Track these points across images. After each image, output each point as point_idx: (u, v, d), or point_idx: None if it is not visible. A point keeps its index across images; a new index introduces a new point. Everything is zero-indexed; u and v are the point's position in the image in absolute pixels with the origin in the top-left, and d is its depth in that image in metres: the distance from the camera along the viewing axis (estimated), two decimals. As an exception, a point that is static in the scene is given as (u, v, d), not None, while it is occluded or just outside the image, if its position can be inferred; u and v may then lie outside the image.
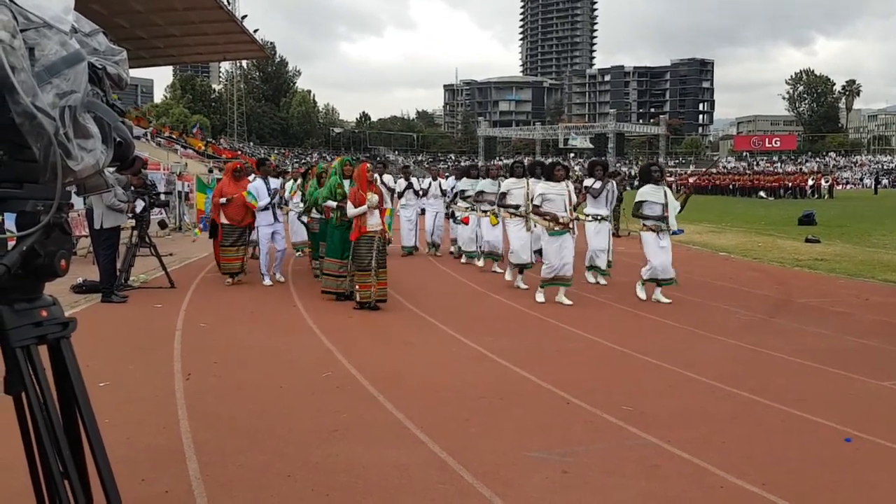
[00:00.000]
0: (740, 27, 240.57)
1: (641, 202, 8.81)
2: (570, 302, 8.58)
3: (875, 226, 21.15)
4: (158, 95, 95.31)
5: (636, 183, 13.43)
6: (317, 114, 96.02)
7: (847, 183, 72.27)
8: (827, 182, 48.31)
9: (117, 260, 8.91)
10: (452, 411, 4.81)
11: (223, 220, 9.94)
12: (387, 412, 4.74)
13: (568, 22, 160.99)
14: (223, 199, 9.86)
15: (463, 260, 12.72)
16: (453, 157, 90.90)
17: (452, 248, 13.85)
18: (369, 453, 4.05)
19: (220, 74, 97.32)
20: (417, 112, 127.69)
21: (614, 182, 10.56)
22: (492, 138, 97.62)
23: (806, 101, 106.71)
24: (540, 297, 8.74)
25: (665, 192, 8.88)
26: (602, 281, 10.27)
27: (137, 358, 6.12)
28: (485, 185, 11.82)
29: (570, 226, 8.56)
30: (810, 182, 47.68)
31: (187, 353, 6.25)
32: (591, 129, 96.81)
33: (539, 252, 11.16)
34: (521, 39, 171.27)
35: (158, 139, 41.29)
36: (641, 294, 8.96)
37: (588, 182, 10.09)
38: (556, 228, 8.48)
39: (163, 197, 12.04)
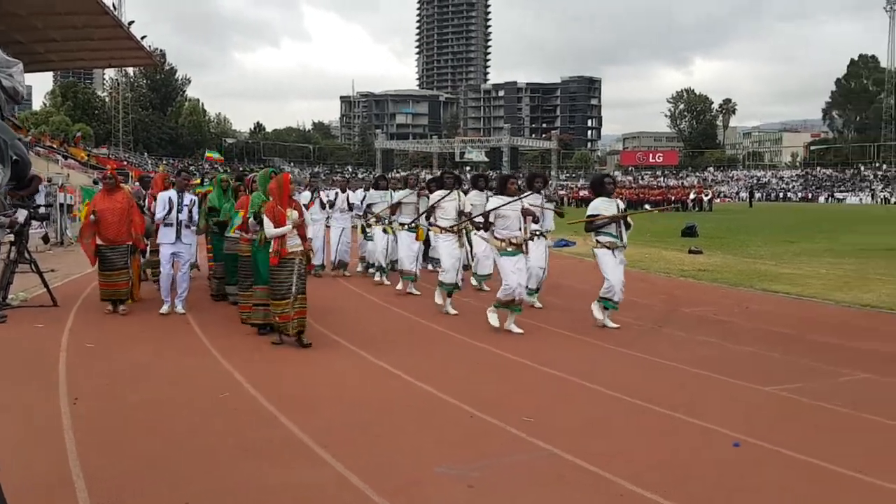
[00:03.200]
0: (624, 47, 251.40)
1: (594, 216, 8.19)
2: (520, 330, 7.84)
3: (751, 237, 22.49)
4: (37, 103, 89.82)
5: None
6: (208, 123, 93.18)
7: (725, 196, 76.57)
8: (707, 196, 51.03)
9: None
10: (357, 429, 4.76)
11: (98, 240, 8.65)
12: (290, 433, 4.64)
13: (463, 38, 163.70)
14: (92, 217, 8.56)
15: (377, 278, 11.68)
16: (350, 169, 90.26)
17: (360, 267, 12.97)
18: (274, 475, 3.95)
19: (105, 82, 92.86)
20: (314, 123, 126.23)
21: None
22: (389, 151, 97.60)
23: (686, 119, 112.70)
24: (493, 320, 7.90)
25: (618, 205, 8.39)
26: (536, 304, 9.43)
27: (19, 382, 5.74)
28: (402, 196, 10.94)
29: (524, 247, 7.95)
30: (692, 196, 50.22)
31: (73, 376, 5.90)
32: (486, 142, 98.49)
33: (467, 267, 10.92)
34: (417, 53, 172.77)
35: (37, 148, 38.93)
36: (598, 315, 8.25)
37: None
38: (509, 249, 7.83)
39: (42, 210, 11.34)
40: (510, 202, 7.83)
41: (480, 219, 8.22)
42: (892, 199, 72.65)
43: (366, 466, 4.08)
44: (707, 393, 5.82)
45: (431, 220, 9.40)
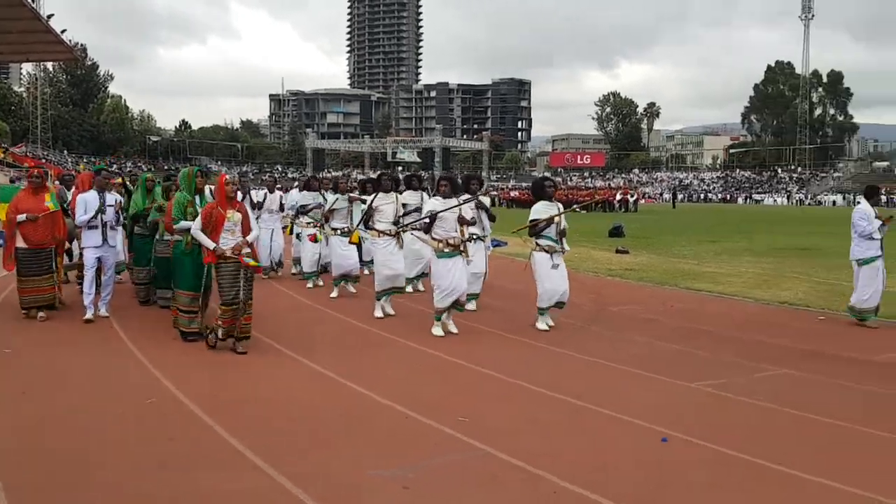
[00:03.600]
0: (554, 51, 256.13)
1: (537, 220, 8.09)
2: (455, 330, 7.86)
3: (676, 237, 23.20)
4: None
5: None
6: (131, 121, 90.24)
7: (649, 197, 78.71)
8: (633, 197, 52.33)
9: None
10: (290, 434, 4.70)
11: (19, 242, 8.15)
12: (221, 439, 4.55)
13: (394, 37, 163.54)
14: (21, 217, 8.07)
15: (309, 285, 11.34)
16: (279, 169, 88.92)
17: (294, 269, 12.57)
18: (204, 482, 3.87)
19: (22, 77, 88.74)
20: (242, 121, 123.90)
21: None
22: (320, 150, 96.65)
23: (613, 122, 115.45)
24: (438, 331, 7.77)
25: (559, 208, 8.30)
26: (471, 306, 9.11)
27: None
28: (335, 200, 10.58)
29: (462, 247, 7.87)
30: (618, 196, 51.42)
31: (-12, 386, 5.63)
32: (418, 143, 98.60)
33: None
34: (348, 52, 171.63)
35: (-55, 146, 36.95)
36: (542, 325, 8.18)
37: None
38: (446, 250, 7.75)
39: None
40: (454, 206, 7.81)
41: (422, 222, 8.16)
42: (807, 201, 76.05)
43: (299, 471, 4.03)
44: (636, 390, 5.97)
45: (370, 223, 9.03)
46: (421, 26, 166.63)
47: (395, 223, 8.83)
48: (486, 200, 9.34)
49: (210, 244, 6.70)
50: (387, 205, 8.88)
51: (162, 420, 4.90)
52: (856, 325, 8.60)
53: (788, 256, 16.89)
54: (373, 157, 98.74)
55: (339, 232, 10.33)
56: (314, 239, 11.05)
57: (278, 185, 13.87)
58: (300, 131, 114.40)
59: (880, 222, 8.61)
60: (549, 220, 8.07)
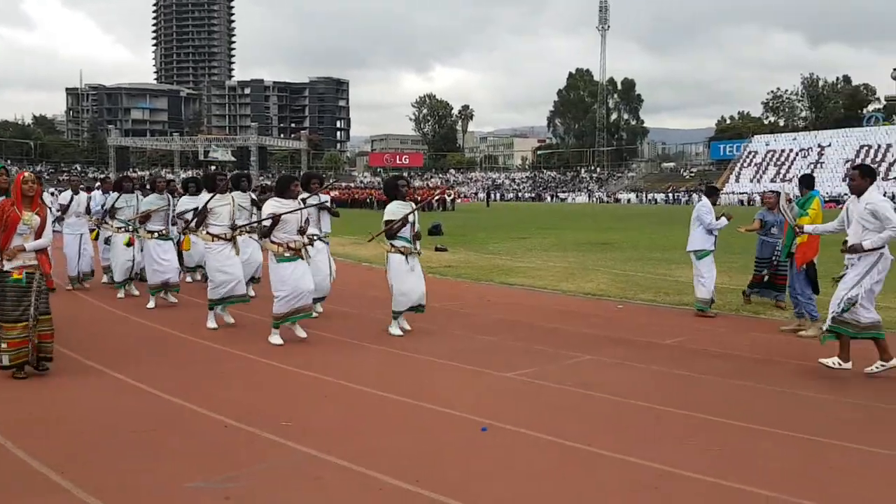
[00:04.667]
0: (369, 52, 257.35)
1: (391, 221, 7.82)
2: (304, 334, 7.56)
3: (490, 235, 24.18)
4: None
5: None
6: None
7: (465, 196, 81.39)
8: (450, 196, 53.85)
9: None
10: (101, 450, 4.37)
11: None
12: (20, 461, 4.14)
13: (205, 31, 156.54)
14: None
15: (121, 295, 10.42)
16: (78, 168, 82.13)
17: (105, 278, 11.49)
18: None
19: None
20: (35, 117, 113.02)
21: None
22: (124, 148, 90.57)
23: (429, 123, 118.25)
24: (277, 340, 7.39)
25: (412, 207, 8.05)
26: (318, 308, 8.84)
27: None
28: (151, 201, 9.88)
29: (304, 251, 7.56)
30: (437, 196, 52.67)
31: None
32: (232, 141, 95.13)
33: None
34: (154, 46, 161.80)
35: None
36: (395, 331, 7.95)
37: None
38: (287, 254, 7.39)
39: None
40: (296, 209, 7.47)
41: (264, 224, 7.56)
42: (606, 199, 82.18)
43: (112, 489, 3.77)
44: (457, 383, 6.16)
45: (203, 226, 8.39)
46: (233, 20, 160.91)
47: (232, 226, 8.30)
48: (326, 198, 9.06)
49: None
50: (222, 206, 8.31)
51: (-58, 449, 4.37)
52: (698, 315, 9.17)
53: (591, 251, 18.19)
54: (183, 156, 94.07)
55: (156, 235, 9.65)
56: (133, 242, 10.19)
57: (82, 186, 12.68)
58: (101, 128, 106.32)
59: (725, 219, 9.41)
60: (404, 220, 7.86)
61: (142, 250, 10.19)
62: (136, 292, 10.44)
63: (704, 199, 9.63)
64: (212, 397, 5.52)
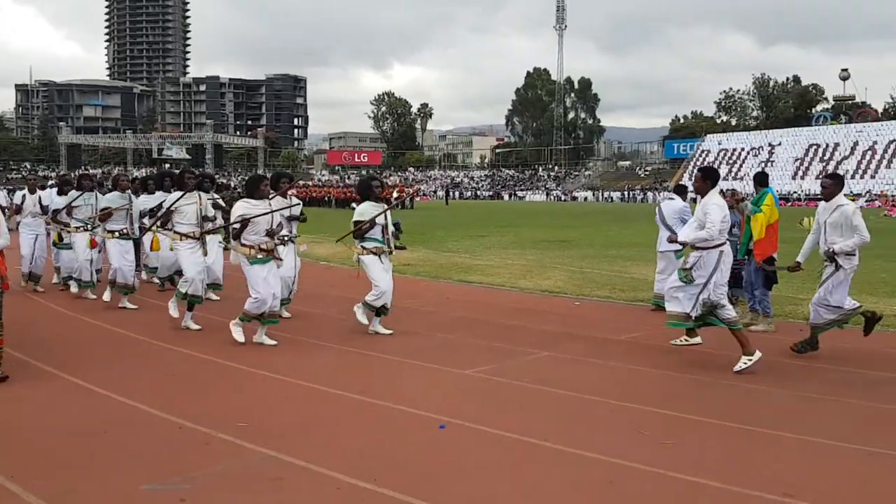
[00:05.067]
0: (327, 49, 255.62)
1: (359, 222, 7.73)
2: (273, 342, 7.28)
3: (449, 233, 24.22)
4: None
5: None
6: None
7: (424, 195, 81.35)
8: (407, 195, 53.70)
9: None
10: (52, 454, 4.28)
11: None
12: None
13: (159, 27, 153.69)
14: None
15: (74, 290, 10.22)
16: (28, 167, 79.97)
17: (56, 279, 11.20)
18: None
19: None
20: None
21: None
22: (76, 146, 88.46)
23: (388, 121, 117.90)
24: (238, 336, 7.21)
25: (384, 209, 7.97)
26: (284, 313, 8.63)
27: None
28: (113, 199, 9.50)
29: (276, 252, 7.39)
30: (395, 194, 52.54)
31: None
32: (187, 139, 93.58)
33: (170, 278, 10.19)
34: (107, 41, 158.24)
35: None
36: (363, 318, 7.82)
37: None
38: (259, 256, 7.21)
39: None
40: (268, 211, 7.28)
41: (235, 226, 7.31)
42: (563, 197, 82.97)
43: (63, 493, 3.71)
44: (415, 381, 6.19)
45: (169, 224, 8.22)
46: (188, 16, 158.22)
47: (200, 225, 8.11)
48: (299, 206, 8.84)
49: None
50: (188, 205, 8.14)
51: None
52: (653, 310, 9.23)
53: (549, 248, 18.36)
54: (136, 154, 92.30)
55: (116, 234, 9.38)
56: (95, 245, 9.72)
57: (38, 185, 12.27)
58: (52, 125, 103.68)
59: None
60: (372, 222, 7.77)
61: (99, 252, 9.93)
62: (93, 296, 10.06)
63: (676, 197, 9.73)
64: (167, 399, 5.44)
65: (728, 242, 6.61)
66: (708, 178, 6.71)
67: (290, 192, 8.73)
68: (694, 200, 7.49)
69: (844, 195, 7.02)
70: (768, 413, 5.33)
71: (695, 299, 6.48)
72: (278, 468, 4.14)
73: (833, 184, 6.93)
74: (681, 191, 10.01)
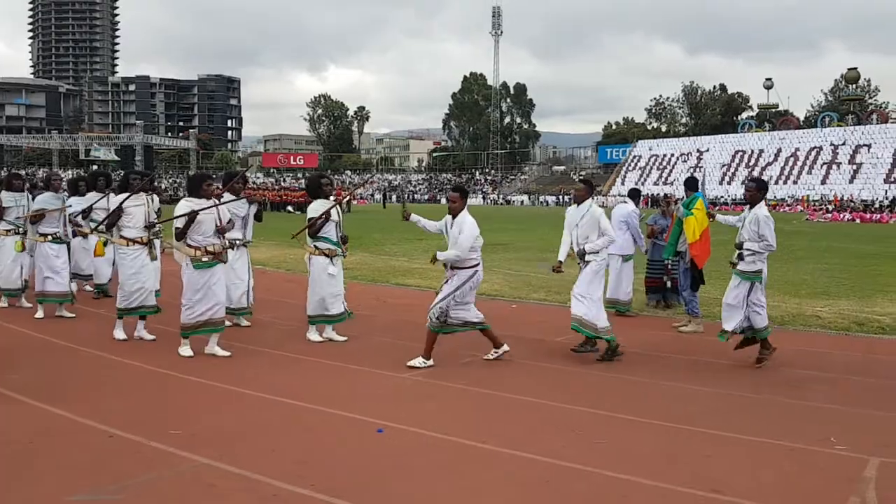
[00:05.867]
0: (262, 49, 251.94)
1: (313, 219, 7.50)
2: (227, 353, 6.98)
3: (387, 236, 24.18)
4: None
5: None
6: None
7: (362, 198, 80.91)
8: (345, 197, 53.42)
9: None
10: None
11: None
12: None
13: (86, 25, 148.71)
14: None
15: (3, 304, 9.42)
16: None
17: None
18: None
19: None
20: None
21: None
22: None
23: (325, 123, 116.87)
24: (187, 351, 6.91)
25: (338, 207, 7.78)
26: (244, 322, 8.45)
27: None
28: (47, 200, 8.94)
29: (223, 256, 7.05)
30: (332, 198, 52.18)
31: None
32: (116, 140, 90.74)
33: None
34: (31, 39, 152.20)
35: None
36: (314, 336, 7.70)
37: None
38: (205, 259, 6.83)
39: None
40: (210, 206, 6.92)
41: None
42: (499, 201, 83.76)
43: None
44: (352, 385, 6.15)
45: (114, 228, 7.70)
46: (117, 13, 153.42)
47: (148, 229, 7.71)
48: (254, 205, 8.49)
49: None
50: (136, 207, 7.65)
51: None
52: (616, 315, 9.27)
53: (486, 251, 18.33)
54: (62, 155, 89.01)
55: (49, 238, 8.84)
56: (24, 247, 9.08)
57: None
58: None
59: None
60: (326, 215, 7.57)
61: (31, 255, 9.27)
62: (28, 304, 9.40)
63: (631, 202, 9.96)
64: (95, 407, 5.28)
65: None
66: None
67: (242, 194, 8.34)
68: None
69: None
70: (696, 411, 5.50)
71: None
72: (212, 475, 4.07)
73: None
74: (635, 195, 10.28)
